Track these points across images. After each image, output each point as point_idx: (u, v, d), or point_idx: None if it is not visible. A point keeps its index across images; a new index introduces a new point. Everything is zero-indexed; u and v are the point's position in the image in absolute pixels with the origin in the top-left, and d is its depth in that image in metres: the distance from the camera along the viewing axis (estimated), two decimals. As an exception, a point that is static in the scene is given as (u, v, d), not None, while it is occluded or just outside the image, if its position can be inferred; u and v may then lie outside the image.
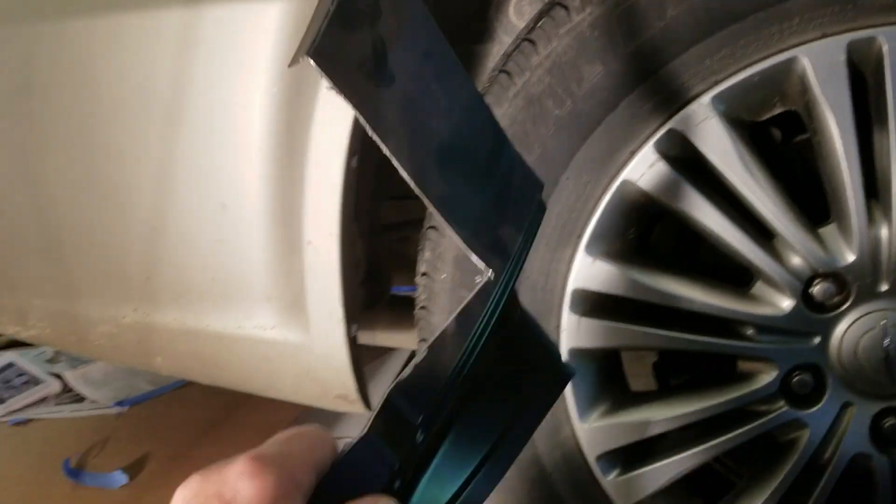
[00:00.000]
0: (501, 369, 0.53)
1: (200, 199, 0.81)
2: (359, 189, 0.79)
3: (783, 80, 0.68)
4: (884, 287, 0.69)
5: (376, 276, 1.02)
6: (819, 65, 0.65)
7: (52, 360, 1.74)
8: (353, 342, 0.86)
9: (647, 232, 0.76)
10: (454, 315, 0.47)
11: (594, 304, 0.74)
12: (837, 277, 0.70)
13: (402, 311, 1.09)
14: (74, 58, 0.82)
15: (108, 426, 1.42)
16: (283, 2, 0.71)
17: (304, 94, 0.74)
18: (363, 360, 0.91)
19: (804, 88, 0.67)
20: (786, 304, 0.71)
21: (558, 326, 0.74)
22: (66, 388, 1.60)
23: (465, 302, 0.48)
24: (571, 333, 0.74)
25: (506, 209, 0.51)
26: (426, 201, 0.44)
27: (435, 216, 0.45)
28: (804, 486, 0.76)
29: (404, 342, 1.12)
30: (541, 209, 0.53)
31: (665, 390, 0.83)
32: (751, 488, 0.79)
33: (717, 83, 0.67)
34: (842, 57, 0.65)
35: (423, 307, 0.78)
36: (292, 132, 0.75)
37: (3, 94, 0.87)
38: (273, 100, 0.74)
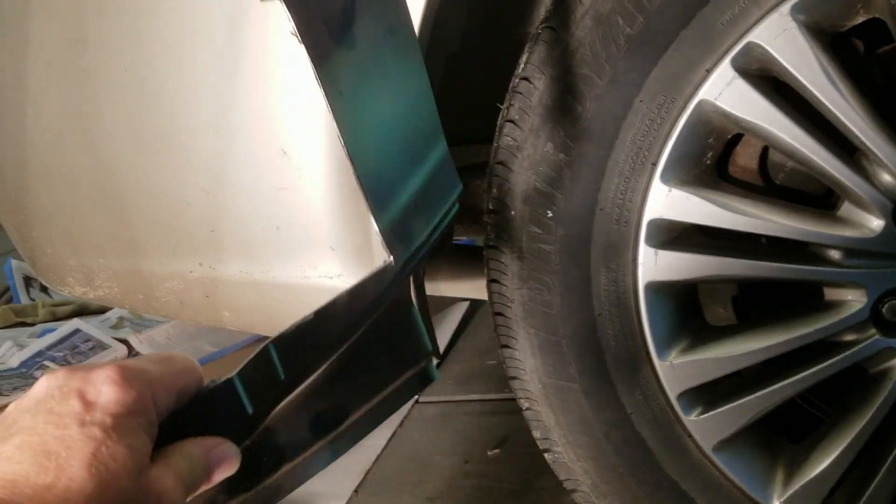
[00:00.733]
0: (373, 353, 0.55)
1: (260, 146, 0.80)
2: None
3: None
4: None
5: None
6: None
7: (116, 326, 1.78)
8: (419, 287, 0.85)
9: (725, 156, 0.72)
10: (347, 290, 0.48)
11: (672, 236, 0.71)
12: (931, 194, 0.66)
13: (464, 260, 1.07)
14: (126, 7, 0.81)
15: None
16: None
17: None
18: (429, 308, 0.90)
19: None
20: (875, 224, 0.67)
21: (634, 260, 0.71)
22: (132, 352, 1.63)
23: (361, 280, 0.49)
24: (648, 267, 0.72)
25: (424, 201, 0.52)
26: (354, 174, 0.45)
27: (359, 191, 0.46)
28: (896, 421, 0.73)
29: (466, 292, 1.10)
30: (454, 208, 0.55)
31: (746, 324, 0.80)
32: (839, 424, 0.75)
33: (796, -10, 0.63)
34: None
35: (491, 245, 0.76)
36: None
37: (57, 50, 0.87)
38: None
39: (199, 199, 0.86)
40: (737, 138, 0.72)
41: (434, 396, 1.65)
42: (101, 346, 1.62)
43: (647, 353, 0.74)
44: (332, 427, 0.54)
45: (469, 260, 1.05)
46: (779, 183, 0.74)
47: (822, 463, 0.74)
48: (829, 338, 0.72)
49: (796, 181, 0.72)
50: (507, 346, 0.78)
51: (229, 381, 0.45)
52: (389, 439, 1.49)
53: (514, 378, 0.80)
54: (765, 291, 0.81)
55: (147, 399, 0.42)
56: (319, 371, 0.51)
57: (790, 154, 0.66)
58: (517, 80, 0.70)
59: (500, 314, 0.78)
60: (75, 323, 1.68)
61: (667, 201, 0.69)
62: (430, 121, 0.51)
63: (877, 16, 0.67)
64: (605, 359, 0.75)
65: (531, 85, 0.68)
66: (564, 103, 0.67)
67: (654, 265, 0.71)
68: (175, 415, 0.43)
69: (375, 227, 0.80)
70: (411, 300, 0.55)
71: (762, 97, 0.65)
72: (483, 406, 1.59)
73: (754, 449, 0.78)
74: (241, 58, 0.77)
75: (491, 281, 0.77)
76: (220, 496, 0.48)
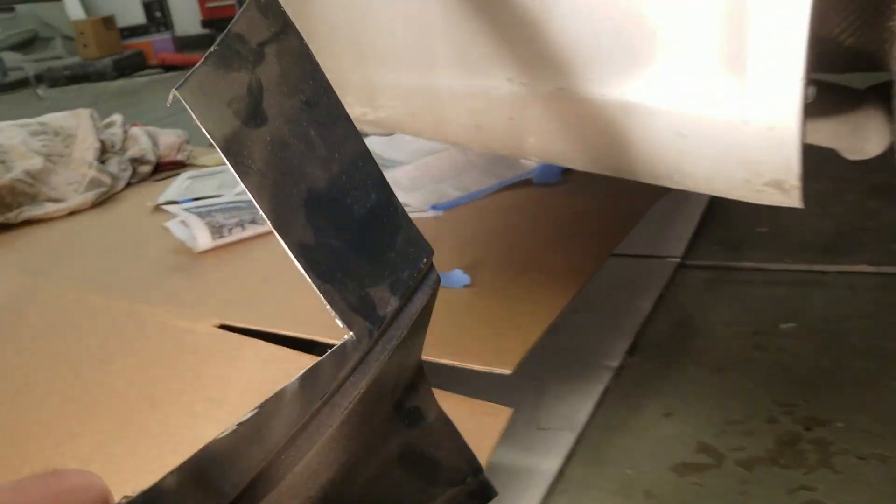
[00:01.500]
0: (401, 478, 0.49)
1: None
2: None
3: None
4: None
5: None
6: None
7: (357, 166, 1.72)
8: (805, 110, 0.66)
9: None
10: (297, 376, 0.40)
11: None
12: None
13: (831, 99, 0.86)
14: None
15: (429, 229, 1.35)
16: None
17: None
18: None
19: None
20: None
21: None
22: (377, 192, 1.56)
23: (313, 364, 0.41)
24: None
25: (384, 270, 0.48)
26: (284, 246, 0.43)
27: (297, 266, 0.43)
28: None
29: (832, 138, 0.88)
30: (433, 282, 0.52)
31: None
32: None
33: None
34: None
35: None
36: None
37: None
38: None
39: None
40: None
41: (699, 260, 1.48)
42: (347, 183, 1.56)
43: None
44: None
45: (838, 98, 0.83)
46: None
47: None
48: None
49: None
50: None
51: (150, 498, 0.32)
52: (655, 302, 1.35)
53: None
54: None
55: None
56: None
57: None
58: None
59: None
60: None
61: None
62: (375, 184, 0.50)
63: None
64: None
65: None
66: None
67: None
68: None
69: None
70: (437, 404, 0.51)
71: None
72: (763, 275, 1.40)
73: None
74: None
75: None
76: None
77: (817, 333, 1.18)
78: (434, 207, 1.43)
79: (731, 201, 0.76)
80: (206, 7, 6.74)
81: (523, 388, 1.09)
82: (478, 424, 0.90)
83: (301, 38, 0.47)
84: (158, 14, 7.21)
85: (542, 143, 0.83)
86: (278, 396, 0.39)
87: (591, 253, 1.17)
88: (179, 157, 2.11)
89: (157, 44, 6.58)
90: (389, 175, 1.57)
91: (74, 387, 1.10)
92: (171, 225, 1.45)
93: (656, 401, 1.12)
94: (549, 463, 1.03)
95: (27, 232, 1.77)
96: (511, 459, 1.04)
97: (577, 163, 0.85)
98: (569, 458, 1.03)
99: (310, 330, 1.09)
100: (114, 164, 1.96)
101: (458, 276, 1.11)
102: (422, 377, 0.57)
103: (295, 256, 0.43)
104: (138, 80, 5.86)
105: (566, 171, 1.54)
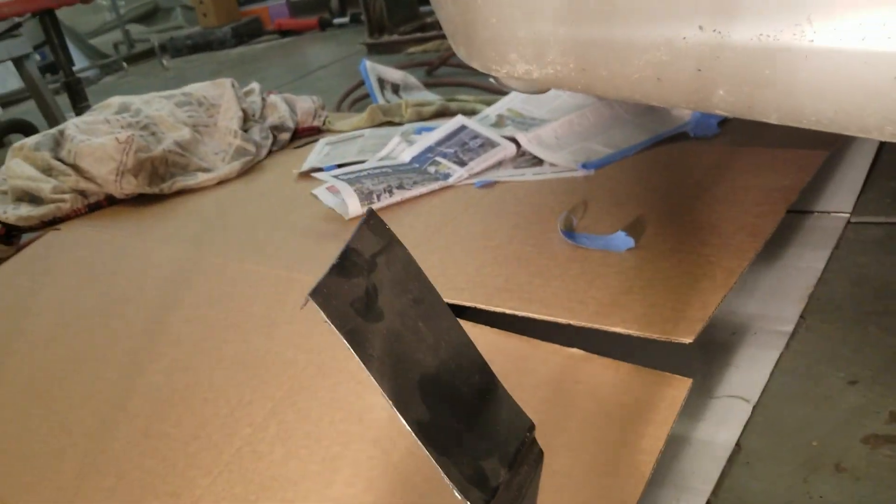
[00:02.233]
0: None
1: None
2: None
3: None
4: None
5: None
6: None
7: (497, 125, 1.68)
8: None
9: None
10: None
11: None
12: None
13: None
14: None
15: (580, 189, 1.31)
16: None
17: None
18: None
19: None
20: None
21: None
22: (520, 151, 1.53)
23: None
24: None
25: (491, 444, 0.55)
26: (403, 423, 0.49)
27: (416, 441, 0.49)
28: None
29: None
30: (537, 454, 0.59)
31: None
32: None
33: None
34: None
35: None
36: None
37: None
38: None
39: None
40: None
41: (871, 217, 1.36)
42: (490, 144, 1.53)
43: None
44: None
45: None
46: None
47: None
48: None
49: None
50: None
51: None
52: (828, 261, 1.26)
53: None
54: None
55: None
56: None
57: None
58: None
59: None
60: (460, 120, 1.61)
61: None
62: (478, 366, 0.57)
63: None
64: None
65: None
66: None
67: None
68: None
69: None
70: None
71: None
72: (948, 230, 1.28)
73: None
74: None
75: None
76: None
77: None
78: (584, 166, 1.37)
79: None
80: (319, -29, 6.79)
81: (689, 355, 1.04)
82: (655, 396, 0.87)
83: (405, 248, 0.56)
84: (274, -20, 7.32)
85: (734, 95, 0.77)
86: None
87: (764, 209, 1.09)
88: (316, 123, 2.13)
89: (272, 9, 6.69)
90: (533, 133, 1.52)
91: (244, 353, 1.13)
92: (319, 192, 1.46)
93: (838, 367, 1.05)
94: (725, 434, 0.98)
95: (180, 202, 1.83)
96: (684, 430, 1.00)
97: (773, 115, 0.78)
98: (746, 429, 0.98)
99: (463, 296, 1.07)
100: (256, 133, 2.00)
101: (622, 239, 1.06)
102: None
103: (414, 433, 0.50)
104: (257, 47, 5.99)
105: (723, 122, 1.45)
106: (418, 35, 4.21)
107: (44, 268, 1.68)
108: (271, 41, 6.12)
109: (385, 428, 0.91)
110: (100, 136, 1.84)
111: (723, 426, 0.99)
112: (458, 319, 0.59)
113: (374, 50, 4.27)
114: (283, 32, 6.21)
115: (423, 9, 4.58)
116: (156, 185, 1.84)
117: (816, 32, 0.67)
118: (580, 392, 0.89)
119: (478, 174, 1.48)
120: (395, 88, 2.51)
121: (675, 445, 0.97)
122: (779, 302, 1.18)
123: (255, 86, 2.21)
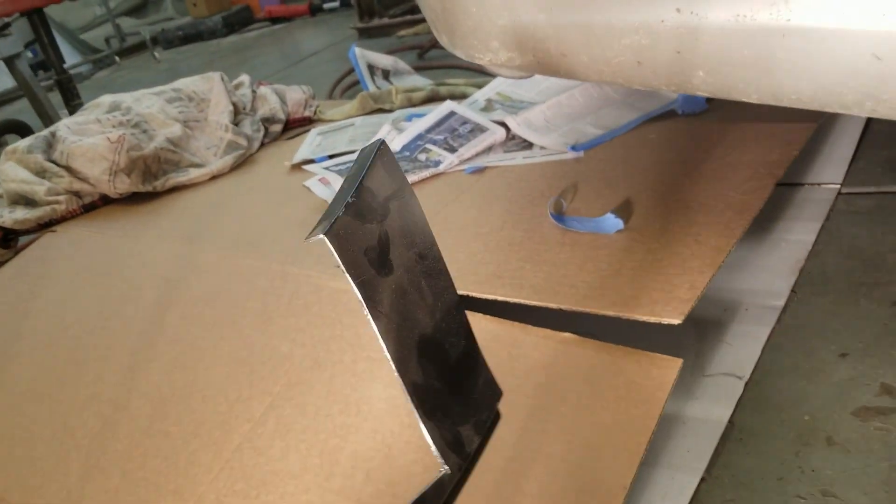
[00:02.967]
0: None
1: None
2: None
3: None
4: None
5: None
6: None
7: (486, 109, 1.68)
8: None
9: None
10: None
11: None
12: None
13: None
14: None
15: (570, 172, 1.31)
16: None
17: None
18: None
19: None
20: None
21: None
22: (510, 135, 1.53)
23: (420, 492, 0.50)
24: None
25: (468, 410, 0.56)
26: (402, 386, 0.49)
27: (407, 403, 0.49)
28: None
29: None
30: (495, 418, 0.59)
31: None
32: None
33: None
34: None
35: None
36: None
37: None
38: None
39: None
40: None
41: (861, 187, 1.37)
42: (479, 129, 1.53)
43: None
44: None
45: None
46: None
47: None
48: None
49: None
50: None
51: None
52: (818, 234, 1.26)
53: None
54: None
55: None
56: None
57: None
58: None
59: None
60: (449, 105, 1.61)
61: None
62: (465, 332, 0.57)
63: None
64: None
65: None
66: None
67: None
68: None
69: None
70: None
71: None
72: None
73: None
74: None
75: None
76: None
77: None
78: (573, 148, 1.38)
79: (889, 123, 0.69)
80: (308, -43, 6.74)
81: (681, 333, 1.05)
82: (646, 377, 0.88)
83: (415, 195, 0.54)
84: (262, -33, 7.27)
85: (714, 76, 0.77)
86: None
87: (751, 185, 1.10)
88: (307, 113, 2.12)
89: (262, -4, 6.66)
90: (522, 116, 1.52)
91: (240, 349, 1.14)
92: (311, 184, 1.46)
93: (829, 341, 1.06)
94: (718, 411, 0.99)
95: (173, 199, 1.84)
96: (677, 409, 1.01)
97: (753, 95, 0.78)
98: (738, 406, 0.99)
99: (455, 285, 1.08)
100: (247, 126, 2.00)
101: (611, 221, 1.07)
102: None
103: (409, 395, 0.49)
104: (248, 36, 5.96)
105: (711, 98, 1.45)
106: (409, 17, 4.19)
107: (41, 270, 1.69)
108: (262, 29, 6.09)
109: (383, 418, 0.92)
110: (91, 136, 1.84)
111: (716, 404, 1.00)
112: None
113: (365, 34, 4.25)
114: (274, 19, 6.18)
115: (412, -9, 4.56)
116: (149, 183, 1.84)
117: (793, 11, 0.67)
118: (573, 376, 0.90)
119: (468, 160, 1.48)
120: (386, 74, 2.50)
121: (668, 425, 0.98)
122: (770, 276, 1.18)
123: (244, 78, 2.21)
